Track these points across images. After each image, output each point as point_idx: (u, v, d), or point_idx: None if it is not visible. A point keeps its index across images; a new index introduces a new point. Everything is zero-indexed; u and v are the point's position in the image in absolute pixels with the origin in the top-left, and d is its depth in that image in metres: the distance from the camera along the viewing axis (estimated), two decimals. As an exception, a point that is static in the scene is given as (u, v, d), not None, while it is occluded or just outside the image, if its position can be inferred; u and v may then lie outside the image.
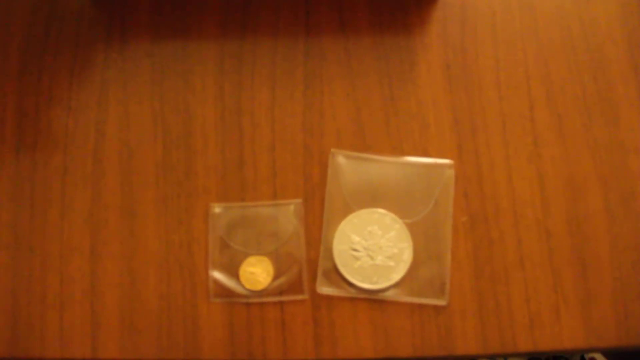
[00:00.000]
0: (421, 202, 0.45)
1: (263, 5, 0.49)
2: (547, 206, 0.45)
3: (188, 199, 0.45)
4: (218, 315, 0.43)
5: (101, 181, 0.45)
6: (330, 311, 0.43)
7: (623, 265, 0.43)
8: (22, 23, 0.49)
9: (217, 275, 0.43)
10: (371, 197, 0.45)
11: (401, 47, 0.48)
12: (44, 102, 0.47)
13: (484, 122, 0.46)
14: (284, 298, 0.43)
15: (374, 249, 0.43)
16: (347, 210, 0.44)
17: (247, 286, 0.43)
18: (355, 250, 0.43)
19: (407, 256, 0.43)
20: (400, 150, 0.46)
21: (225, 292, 0.43)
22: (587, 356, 0.82)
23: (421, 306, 0.43)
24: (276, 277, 0.43)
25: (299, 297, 0.43)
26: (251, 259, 0.44)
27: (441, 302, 0.43)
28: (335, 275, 0.43)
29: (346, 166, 0.45)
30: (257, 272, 0.43)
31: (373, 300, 0.43)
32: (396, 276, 0.43)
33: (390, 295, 0.43)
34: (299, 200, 0.45)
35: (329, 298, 0.43)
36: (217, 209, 0.45)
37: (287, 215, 0.44)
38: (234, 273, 0.43)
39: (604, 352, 0.67)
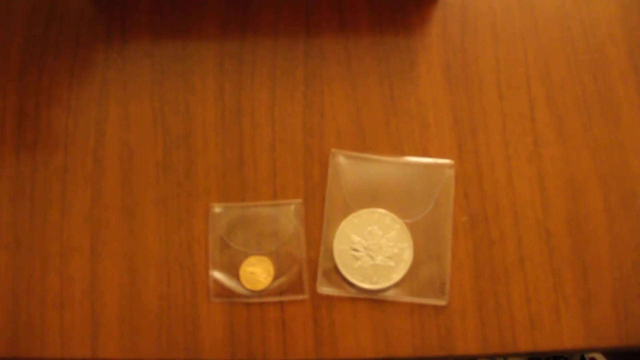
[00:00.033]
0: (421, 202, 0.45)
1: (263, 5, 0.49)
2: (548, 206, 0.45)
3: (188, 198, 0.45)
4: (218, 315, 0.43)
5: (101, 181, 0.45)
6: (331, 311, 0.43)
7: (623, 265, 0.43)
8: (22, 23, 0.49)
9: (217, 275, 0.43)
10: (371, 197, 0.45)
11: (401, 47, 0.48)
12: (44, 102, 0.47)
13: (484, 122, 0.46)
14: (284, 298, 0.43)
15: (374, 249, 0.43)
16: (347, 210, 0.44)
17: (248, 286, 0.43)
18: (355, 250, 0.43)
19: (407, 256, 0.43)
20: (400, 150, 0.46)
21: (225, 292, 0.43)
22: (587, 356, 0.82)
23: (421, 306, 0.43)
24: (276, 277, 0.43)
25: (299, 297, 0.43)
26: (251, 259, 0.44)
27: (441, 302, 0.43)
28: (335, 275, 0.43)
29: (346, 166, 0.45)
30: (258, 272, 0.43)
31: (373, 300, 0.43)
32: (396, 276, 0.43)
33: (391, 295, 0.43)
34: (299, 200, 0.45)
35: (329, 298, 0.43)
36: (217, 209, 0.45)
37: (287, 215, 0.44)
38: (234, 273, 0.43)
39: (604, 352, 0.67)
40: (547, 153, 0.46)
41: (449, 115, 0.46)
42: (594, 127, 0.46)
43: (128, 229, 0.45)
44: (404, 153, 0.46)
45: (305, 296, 0.43)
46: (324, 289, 0.43)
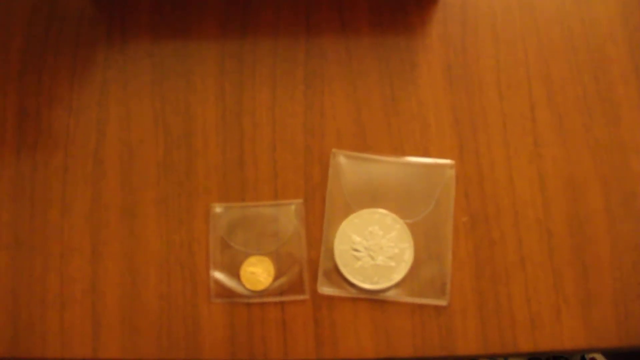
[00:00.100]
0: (422, 202, 0.45)
1: (263, 5, 0.49)
2: (548, 206, 0.45)
3: (189, 198, 0.45)
4: (219, 316, 0.43)
5: (102, 181, 0.45)
6: (331, 311, 0.43)
7: (623, 265, 0.43)
8: (22, 23, 0.49)
9: (218, 275, 0.43)
10: (372, 197, 0.45)
11: (402, 47, 0.48)
12: (45, 102, 0.47)
13: (485, 122, 0.46)
14: (285, 298, 0.43)
15: (374, 249, 0.43)
16: (348, 210, 0.44)
17: (248, 286, 0.43)
18: (356, 250, 0.43)
19: (408, 256, 0.43)
20: (401, 150, 0.46)
21: (225, 292, 0.43)
22: (587, 356, 0.82)
23: (422, 306, 0.43)
24: (277, 277, 0.43)
25: (300, 297, 0.43)
26: (252, 259, 0.44)
27: (442, 302, 0.43)
28: (336, 276, 0.43)
29: (347, 166, 0.45)
30: (258, 272, 0.43)
31: (374, 300, 0.43)
32: (397, 276, 0.43)
33: (391, 295, 0.43)
34: (300, 201, 0.45)
35: (329, 298, 0.43)
36: (217, 209, 0.45)
37: (288, 215, 0.44)
38: (234, 273, 0.43)
39: (604, 352, 0.67)
40: (548, 153, 0.46)
41: (449, 116, 0.46)
42: (595, 127, 0.46)
43: (128, 229, 0.44)
44: (404, 153, 0.46)
45: (305, 296, 0.43)
46: (325, 289, 0.43)
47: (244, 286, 0.43)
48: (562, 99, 0.47)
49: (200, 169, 0.46)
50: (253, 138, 0.46)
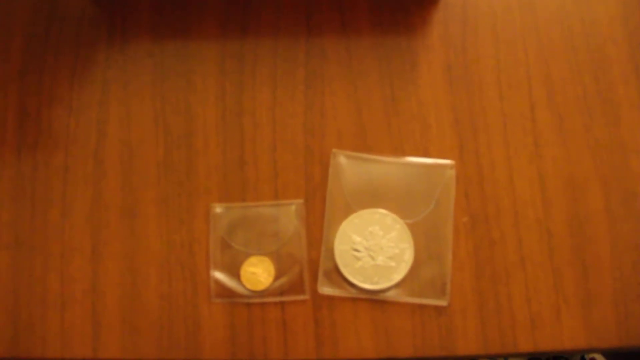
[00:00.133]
0: (422, 202, 0.45)
1: (264, 5, 0.49)
2: (548, 206, 0.45)
3: (189, 199, 0.45)
4: (219, 316, 0.43)
5: (102, 181, 0.45)
6: (332, 311, 0.43)
7: (624, 265, 0.43)
8: (23, 23, 0.49)
9: (218, 275, 0.43)
10: (372, 197, 0.45)
11: (402, 47, 0.48)
12: (45, 102, 0.47)
13: (485, 122, 0.46)
14: (285, 298, 0.43)
15: (375, 249, 0.43)
16: (348, 210, 0.44)
17: (248, 286, 0.43)
18: (356, 250, 0.43)
19: (408, 256, 0.43)
20: (401, 150, 0.46)
21: (226, 292, 0.43)
22: (587, 356, 0.82)
23: (422, 306, 0.43)
24: (277, 277, 0.43)
25: (300, 297, 0.43)
26: (252, 259, 0.44)
27: (442, 303, 0.43)
28: (336, 276, 0.43)
29: (347, 166, 0.45)
30: (258, 272, 0.43)
31: (374, 300, 0.43)
32: (397, 276, 0.43)
33: (392, 295, 0.43)
34: (300, 201, 0.45)
35: (330, 298, 0.43)
36: (218, 209, 0.45)
37: (288, 215, 0.44)
38: (235, 273, 0.43)
39: (604, 352, 0.67)
40: (548, 153, 0.46)
41: (449, 116, 0.47)
42: (595, 127, 0.46)
43: (129, 229, 0.45)
44: (404, 153, 0.46)
45: (306, 296, 0.43)
46: (325, 289, 0.43)
47: (244, 286, 0.43)
48: (562, 99, 0.47)
49: (200, 169, 0.46)
50: (253, 138, 0.46)
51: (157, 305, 0.43)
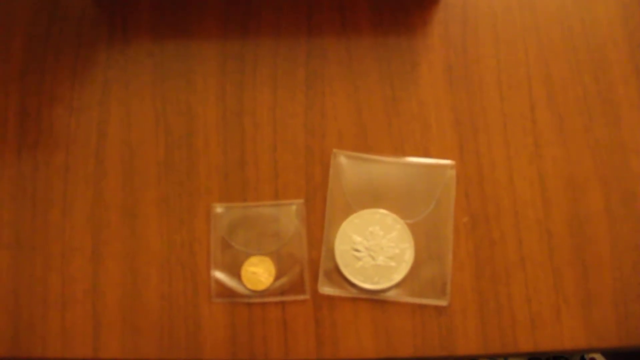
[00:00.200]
0: (422, 202, 0.45)
1: (265, 5, 0.49)
2: (548, 206, 0.45)
3: (190, 198, 0.45)
4: (220, 316, 0.43)
5: (103, 181, 0.46)
6: (332, 311, 0.43)
7: (624, 265, 0.44)
8: (23, 23, 0.49)
9: (219, 275, 0.43)
10: (373, 197, 0.45)
11: (403, 47, 0.48)
12: (46, 102, 0.47)
13: (485, 122, 0.46)
14: (286, 298, 0.43)
15: (375, 249, 0.43)
16: (348, 210, 0.44)
17: (249, 286, 0.43)
18: (356, 250, 0.43)
19: (409, 256, 0.43)
20: (401, 150, 0.46)
21: (226, 292, 0.43)
22: (587, 356, 0.82)
23: (422, 306, 0.43)
24: (278, 277, 0.43)
25: (301, 297, 0.43)
26: (253, 259, 0.44)
27: (442, 303, 0.43)
28: (336, 276, 0.43)
29: (348, 166, 0.45)
30: (259, 272, 0.43)
31: (374, 300, 0.43)
32: (397, 276, 0.43)
33: (392, 295, 0.43)
34: (301, 201, 0.45)
35: (330, 298, 0.43)
36: (218, 209, 0.45)
37: (288, 215, 0.44)
38: (235, 273, 0.43)
39: (604, 352, 0.67)
40: (548, 153, 0.46)
41: (450, 116, 0.47)
42: (595, 128, 0.46)
43: (129, 229, 0.45)
44: (405, 153, 0.46)
45: (306, 296, 0.43)
46: (326, 289, 0.43)
47: (244, 286, 0.43)
48: (563, 99, 0.47)
49: (201, 169, 0.46)
50: (254, 138, 0.46)
51: (158, 305, 0.43)
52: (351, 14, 0.49)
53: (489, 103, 0.47)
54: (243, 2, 0.49)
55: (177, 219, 0.45)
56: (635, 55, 0.48)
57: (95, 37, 0.49)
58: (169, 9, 0.49)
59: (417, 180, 0.45)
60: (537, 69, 0.48)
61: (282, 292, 0.43)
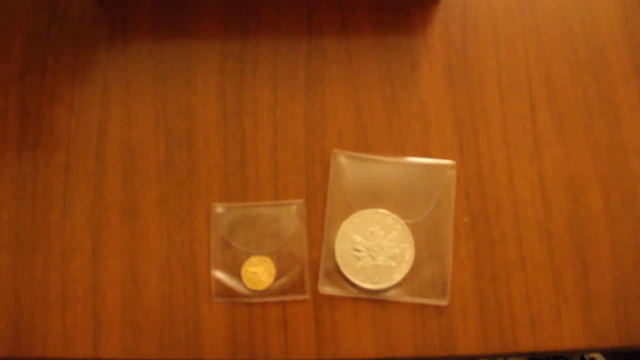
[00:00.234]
0: (423, 202, 0.45)
1: (265, 5, 0.49)
2: (548, 207, 0.45)
3: (190, 198, 0.45)
4: (220, 315, 0.43)
5: (103, 181, 0.46)
6: (332, 311, 0.43)
7: (624, 265, 0.44)
8: (24, 23, 0.49)
9: (219, 275, 0.44)
10: (373, 197, 0.45)
11: (403, 48, 0.48)
12: (46, 102, 0.47)
13: (486, 122, 0.46)
14: (286, 298, 0.43)
15: (375, 249, 0.43)
16: (348, 210, 0.44)
17: (249, 286, 0.43)
18: (357, 250, 0.43)
19: (409, 256, 0.43)
20: (401, 150, 0.46)
21: (227, 292, 0.43)
22: (587, 356, 0.82)
23: (423, 306, 0.43)
24: (278, 277, 0.43)
25: (301, 297, 0.43)
26: (253, 259, 0.44)
27: (442, 302, 0.43)
28: (337, 276, 0.43)
29: (348, 166, 0.45)
30: (259, 272, 0.43)
31: (375, 300, 0.43)
32: (398, 276, 0.43)
33: (392, 295, 0.43)
34: (301, 201, 0.45)
35: (330, 298, 0.43)
36: (219, 208, 0.45)
37: (289, 215, 0.44)
38: (235, 273, 0.43)
39: (604, 352, 0.67)
40: (548, 153, 0.46)
41: (450, 116, 0.47)
42: (595, 128, 0.46)
43: (130, 229, 0.45)
44: (405, 153, 0.46)
45: (306, 296, 0.43)
46: (326, 289, 0.43)
47: (245, 286, 0.43)
48: (563, 99, 0.47)
49: (201, 169, 0.46)
50: (254, 138, 0.46)
51: (158, 305, 0.43)
52: (351, 14, 0.49)
53: (489, 103, 0.47)
54: (243, 2, 0.49)
55: (177, 218, 0.45)
56: (635, 55, 0.48)
57: (96, 37, 0.49)
58: (169, 9, 0.49)
59: (417, 180, 0.45)
60: (537, 69, 0.48)
61: (283, 292, 0.43)
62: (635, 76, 0.47)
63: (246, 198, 0.45)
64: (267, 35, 0.48)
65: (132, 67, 0.48)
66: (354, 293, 0.43)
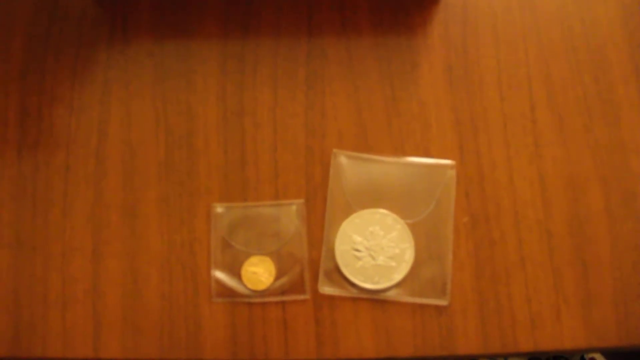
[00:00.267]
0: (423, 202, 0.45)
1: (265, 5, 0.49)
2: (548, 206, 0.45)
3: (190, 198, 0.45)
4: (220, 315, 0.43)
5: (103, 181, 0.46)
6: (332, 311, 0.43)
7: (623, 265, 0.44)
8: (24, 23, 0.49)
9: (219, 275, 0.44)
10: (373, 197, 0.45)
11: (403, 48, 0.48)
12: (47, 102, 0.47)
13: (486, 122, 0.47)
14: (286, 298, 0.43)
15: (375, 249, 0.43)
16: (349, 210, 0.44)
17: (249, 286, 0.43)
18: (357, 250, 0.43)
19: (409, 256, 0.43)
20: (402, 150, 0.46)
21: (227, 292, 0.43)
22: (587, 356, 0.82)
23: (422, 306, 0.43)
24: (278, 277, 0.43)
25: (301, 297, 0.43)
26: (253, 259, 0.44)
27: (442, 302, 0.43)
28: (337, 276, 0.43)
29: (348, 166, 0.45)
30: (259, 272, 0.43)
31: (375, 300, 0.43)
32: (398, 276, 0.43)
33: (392, 295, 0.43)
34: (301, 201, 0.45)
35: (330, 298, 0.43)
36: (219, 208, 0.45)
37: (289, 215, 0.44)
38: (236, 273, 0.43)
39: (604, 352, 0.67)
40: (548, 153, 0.46)
41: (450, 116, 0.47)
42: (595, 128, 0.46)
43: (130, 229, 0.45)
44: (405, 153, 0.46)
45: (306, 296, 0.43)
46: (326, 289, 0.43)
47: (245, 286, 0.43)
48: (563, 99, 0.47)
49: (201, 169, 0.46)
50: (254, 138, 0.46)
51: (158, 305, 0.43)
52: (351, 14, 0.49)
53: (489, 103, 0.47)
54: (243, 2, 0.49)
55: (177, 218, 0.45)
56: (635, 55, 0.48)
57: (96, 37, 0.49)
58: (169, 9, 0.49)
59: (417, 180, 0.45)
60: (537, 69, 0.48)
61: (283, 291, 0.43)
62: (635, 76, 0.47)
63: (246, 198, 0.45)
64: (267, 35, 0.48)
65: (132, 67, 0.48)
66: (354, 293, 0.43)
